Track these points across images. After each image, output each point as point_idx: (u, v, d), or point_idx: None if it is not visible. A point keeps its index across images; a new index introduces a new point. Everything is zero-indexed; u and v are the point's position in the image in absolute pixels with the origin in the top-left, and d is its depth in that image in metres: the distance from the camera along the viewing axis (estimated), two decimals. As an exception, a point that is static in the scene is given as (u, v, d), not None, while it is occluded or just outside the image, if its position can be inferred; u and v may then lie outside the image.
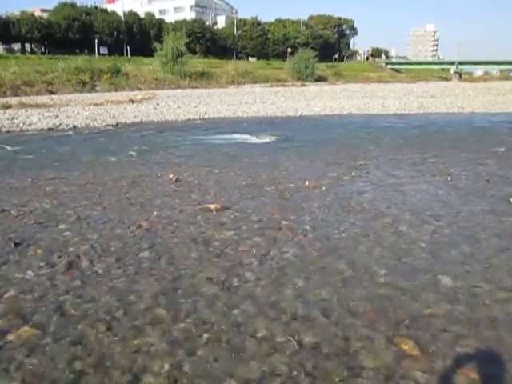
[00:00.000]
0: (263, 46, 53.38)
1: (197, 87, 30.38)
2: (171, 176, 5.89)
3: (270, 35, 53.64)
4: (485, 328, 2.47)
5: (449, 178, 5.80)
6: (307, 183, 5.50)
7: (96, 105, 16.79)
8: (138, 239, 3.74)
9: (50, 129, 11.01)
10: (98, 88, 26.13)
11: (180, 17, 56.90)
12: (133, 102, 18.30)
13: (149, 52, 36.42)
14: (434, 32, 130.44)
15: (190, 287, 2.92)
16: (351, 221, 4.16)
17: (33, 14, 40.61)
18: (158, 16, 53.48)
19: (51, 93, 22.79)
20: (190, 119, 13.46)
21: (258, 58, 50.43)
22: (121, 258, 3.37)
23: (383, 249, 3.53)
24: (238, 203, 4.74)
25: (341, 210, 4.48)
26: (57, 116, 13.00)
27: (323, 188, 5.33)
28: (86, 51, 37.86)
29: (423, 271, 3.13)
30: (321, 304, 2.70)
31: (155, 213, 4.42)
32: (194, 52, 42.68)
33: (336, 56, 62.93)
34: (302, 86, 34.86)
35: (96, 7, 45.49)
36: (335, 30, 66.51)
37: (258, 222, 4.14)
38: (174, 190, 5.31)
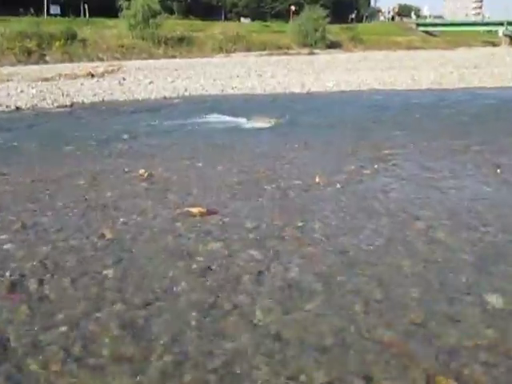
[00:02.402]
0: (259, 2, 53.29)
1: (174, 56, 30.33)
2: (142, 171, 5.87)
3: (268, -11, 53.62)
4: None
5: (498, 171, 5.81)
6: (317, 179, 5.50)
7: (45, 80, 16.70)
8: (99, 253, 3.72)
9: (-16, 111, 11.12)
10: (47, 58, 26.05)
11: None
12: (92, 75, 18.23)
13: (113, 12, 36.32)
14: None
15: (167, 315, 2.89)
16: (374, 227, 4.15)
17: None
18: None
19: (-13, 65, 22.74)
20: (165, 98, 13.43)
21: (253, 19, 50.29)
22: (78, 277, 3.36)
23: (415, 263, 3.52)
24: (229, 206, 4.73)
25: (360, 214, 4.46)
26: (-6, 95, 13.05)
27: (338, 185, 5.33)
28: (32, 11, 37.78)
29: (466, 291, 3.12)
30: (336, 334, 2.68)
31: (122, 219, 4.40)
32: (170, 11, 42.59)
33: (353, 16, 62.87)
34: (310, 54, 34.81)
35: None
36: (351, -18, 66.58)
37: (255, 229, 4.12)
38: (145, 190, 5.30)
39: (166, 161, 6.55)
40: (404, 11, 76.05)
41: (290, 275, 3.36)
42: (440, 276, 3.31)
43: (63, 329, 2.77)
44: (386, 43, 46.45)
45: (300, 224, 4.22)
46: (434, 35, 58.57)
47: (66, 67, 21.92)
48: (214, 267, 3.47)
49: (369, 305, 3.00)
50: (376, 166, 6.12)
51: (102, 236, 4.00)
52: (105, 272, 3.40)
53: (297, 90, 14.96)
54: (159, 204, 4.81)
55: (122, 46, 29.89)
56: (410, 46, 46.43)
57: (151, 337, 2.72)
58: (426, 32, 60.04)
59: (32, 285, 3.25)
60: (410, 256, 3.62)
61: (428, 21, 70.86)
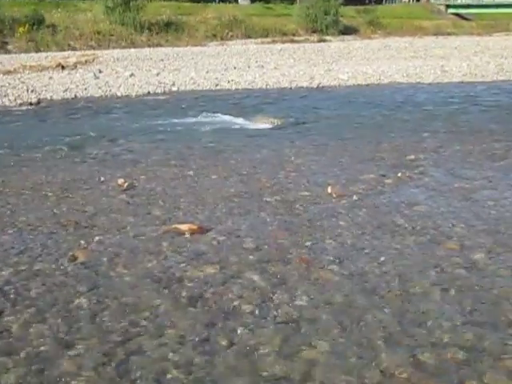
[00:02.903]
0: (260, -19, 53.58)
1: (160, 45, 30.43)
2: (121, 181, 5.88)
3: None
4: None
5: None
6: (329, 190, 5.51)
7: (7, 73, 16.76)
8: (70, 279, 3.70)
9: None
10: (9, 47, 26.16)
11: None
12: (63, 67, 18.29)
13: (87, -8, 36.60)
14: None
15: (151, 353, 2.87)
16: (398, 247, 4.14)
17: None
18: None
19: None
20: (149, 93, 13.44)
21: (253, 0, 50.64)
22: (45, 308, 3.33)
23: (447, 292, 3.48)
24: (224, 222, 4.73)
25: (381, 232, 4.46)
26: None
27: (354, 197, 5.34)
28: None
29: (509, 325, 3.10)
30: (353, 380, 2.62)
31: (97, 238, 4.39)
32: (155, -9, 42.92)
33: (371, -4, 63.34)
34: (321, 41, 34.92)
35: None
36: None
37: (255, 250, 4.12)
38: (125, 203, 5.30)
39: (149, 168, 6.54)
40: (431, -9, 76.42)
41: (298, 306, 3.32)
42: (478, 311, 3.25)
43: (26, 370, 2.73)
44: (411, 28, 46.66)
45: (309, 244, 4.20)
46: (467, 19, 58.80)
47: (32, 58, 21.96)
48: (206, 295, 3.45)
49: (392, 343, 2.95)
50: (399, 174, 6.09)
51: (74, 259, 3.99)
52: (77, 302, 3.38)
53: (305, 83, 14.97)
54: (142, 220, 4.79)
55: (98, 33, 30.00)
56: (438, 32, 46.63)
57: (131, 378, 2.68)
58: (458, 15, 60.32)
59: (-9, 316, 3.35)
60: (440, 283, 3.58)
61: (460, 2, 71.34)
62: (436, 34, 46.30)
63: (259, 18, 40.22)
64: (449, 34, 47.38)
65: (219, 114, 10.42)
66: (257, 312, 3.26)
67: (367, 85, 15.06)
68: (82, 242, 4.31)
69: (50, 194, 5.56)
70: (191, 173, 6.35)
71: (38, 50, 26.03)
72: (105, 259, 4.00)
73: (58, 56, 22.48)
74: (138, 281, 3.67)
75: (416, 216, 4.83)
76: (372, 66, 18.76)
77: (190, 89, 14.28)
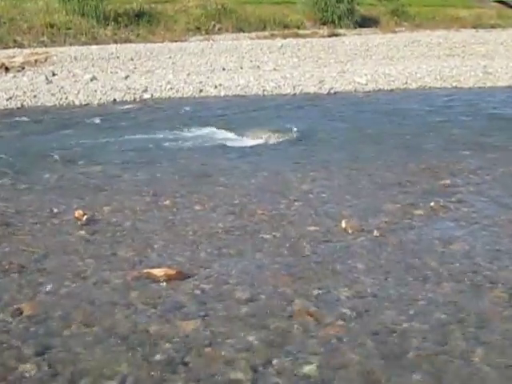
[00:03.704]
0: (256, -39, 54.22)
1: (129, 40, 30.58)
2: (79, 213, 5.90)
3: None
4: None
5: None
6: (344, 225, 5.53)
7: None
8: (14, 338, 3.67)
9: None
10: None
11: None
12: (7, 69, 18.35)
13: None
14: None
15: None
16: (430, 297, 4.16)
17: None
18: None
19: None
20: (115, 102, 13.46)
21: (247, -16, 51.12)
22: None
23: (496, 354, 3.45)
24: (210, 265, 4.76)
25: (410, 277, 4.48)
26: None
27: (375, 233, 5.37)
28: None
29: None
30: None
31: (47, 286, 4.38)
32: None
33: (394, -21, 64.00)
34: (332, 35, 35.09)
35: None
36: None
37: (249, 302, 4.13)
38: (84, 241, 5.32)
39: (115, 197, 6.56)
40: (470, -27, 77.34)
41: (304, 374, 3.28)
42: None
43: None
44: (445, 19, 47.07)
45: (317, 293, 4.21)
46: (515, 7, 59.53)
47: (-33, 57, 22.17)
48: (187, 360, 3.41)
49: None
50: (433, 204, 6.13)
51: (19, 312, 3.95)
52: (22, 368, 3.34)
53: (312, 88, 14.99)
54: (105, 263, 4.78)
55: (52, 26, 30.09)
56: (479, 24, 47.02)
57: None
58: (503, 3, 61.03)
59: None
60: (486, 343, 3.56)
61: (506, -13, 72.09)
62: (476, 27, 46.71)
63: (254, 6, 40.51)
64: (492, 26, 47.82)
65: (204, 128, 10.44)
66: (251, 382, 3.21)
67: (391, 90, 15.14)
68: (29, 291, 4.26)
69: (-12, 229, 5.69)
70: (168, 203, 6.33)
71: (-26, 48, 26.25)
72: (58, 314, 3.95)
73: (0, 55, 22.65)
74: (100, 341, 3.61)
75: (453, 257, 4.83)
76: (397, 67, 18.86)
77: (166, 96, 14.32)
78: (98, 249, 5.12)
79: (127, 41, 31.36)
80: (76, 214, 5.87)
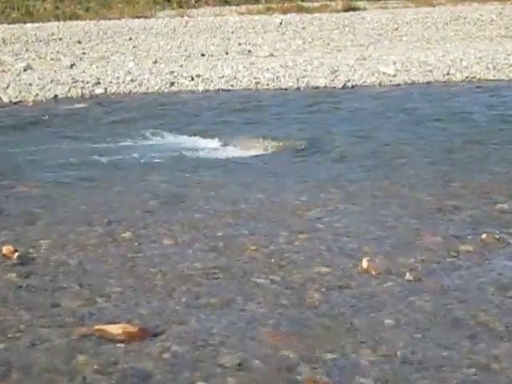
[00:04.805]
0: None
1: (76, 17, 30.73)
2: (8, 249, 5.73)
3: None
4: None
5: None
6: (365, 265, 5.36)
7: None
8: None
9: None
10: None
11: None
12: None
13: None
14: None
15: None
16: (484, 362, 3.91)
17: None
18: None
19: None
20: (57, 98, 13.51)
21: None
22: None
23: None
24: (185, 320, 4.53)
25: (456, 335, 4.24)
26: None
27: (408, 276, 5.19)
28: None
29: None
30: None
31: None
32: None
33: None
34: (349, 9, 35.09)
35: None
36: None
37: (239, 370, 3.89)
38: (15, 287, 5.14)
39: (56, 227, 6.42)
40: None
41: None
42: None
43: None
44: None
45: (330, 357, 4.01)
46: None
47: None
48: None
49: None
50: (484, 236, 5.92)
51: None
52: None
53: (323, 81, 14.99)
54: (43, 317, 4.56)
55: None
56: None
57: None
58: None
59: None
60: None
61: None
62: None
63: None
64: None
65: (176, 134, 10.44)
66: None
67: (427, 83, 15.21)
68: None
69: None
70: (128, 235, 6.19)
71: None
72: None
73: None
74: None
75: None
76: (435, 52, 18.95)
77: (126, 90, 14.37)
78: (34, 297, 4.90)
79: (73, 17, 31.40)
80: (4, 251, 5.66)
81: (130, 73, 15.55)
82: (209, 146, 9.76)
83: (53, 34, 23.47)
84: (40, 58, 17.94)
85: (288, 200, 7.27)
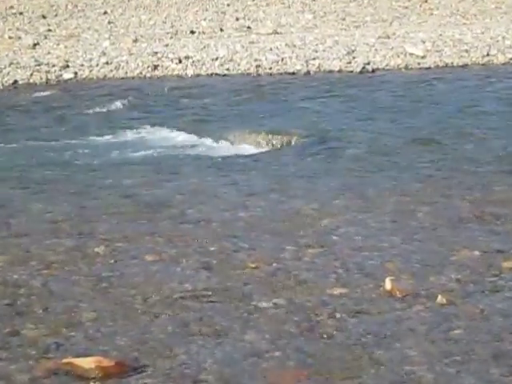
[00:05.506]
0: None
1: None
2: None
3: None
4: None
5: None
6: (389, 286, 5.24)
7: None
8: None
9: None
10: None
11: None
12: None
13: None
14: None
15: None
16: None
17: None
18: None
19: None
20: (17, 85, 13.54)
21: None
22: None
23: None
24: (170, 352, 4.43)
25: (498, 369, 4.10)
26: None
27: (439, 299, 5.06)
28: None
29: None
30: None
31: None
32: None
33: None
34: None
35: None
36: None
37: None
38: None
39: (16, 240, 6.46)
40: None
41: None
42: None
43: None
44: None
45: None
46: None
47: None
48: None
49: None
50: None
51: None
52: None
53: (337, 64, 14.96)
54: (2, 348, 4.50)
55: None
56: None
57: None
58: None
59: None
60: None
61: None
62: None
63: None
64: None
65: (160, 128, 10.45)
66: None
67: (463, 66, 15.23)
68: None
69: None
70: (102, 249, 6.10)
71: None
72: None
73: None
74: None
75: None
76: (473, 29, 19.01)
77: (100, 75, 14.38)
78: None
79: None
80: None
81: (104, 54, 15.51)
82: (199, 143, 9.68)
83: (12, 8, 23.45)
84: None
85: (295, 207, 7.13)
